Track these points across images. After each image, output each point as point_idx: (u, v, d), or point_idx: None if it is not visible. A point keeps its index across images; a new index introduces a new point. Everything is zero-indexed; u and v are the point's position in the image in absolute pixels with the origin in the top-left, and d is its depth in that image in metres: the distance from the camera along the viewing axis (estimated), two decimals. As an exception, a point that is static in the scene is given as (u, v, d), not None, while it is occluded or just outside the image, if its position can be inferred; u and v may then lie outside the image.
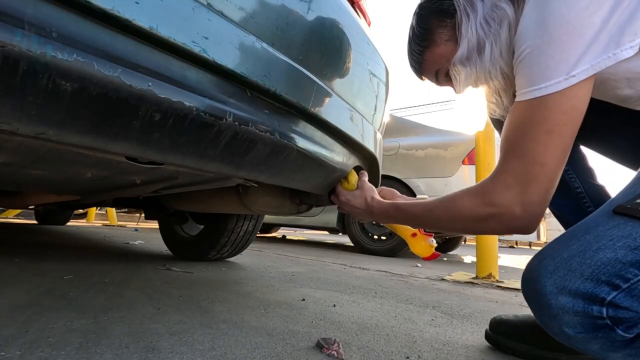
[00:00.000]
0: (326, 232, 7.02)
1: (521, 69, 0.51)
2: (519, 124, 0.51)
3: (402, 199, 0.84)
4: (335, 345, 0.73)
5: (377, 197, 0.82)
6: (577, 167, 0.79)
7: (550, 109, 0.48)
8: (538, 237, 9.60)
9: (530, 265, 0.49)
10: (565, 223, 0.83)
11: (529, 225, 0.52)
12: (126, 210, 5.51)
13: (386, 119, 1.18)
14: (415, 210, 0.69)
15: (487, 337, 0.85)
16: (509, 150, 0.53)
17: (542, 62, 0.48)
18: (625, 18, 0.44)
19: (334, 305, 1.13)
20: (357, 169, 1.02)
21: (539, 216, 0.52)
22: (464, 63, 0.61)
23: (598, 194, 0.78)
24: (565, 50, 0.46)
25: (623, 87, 0.52)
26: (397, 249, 3.02)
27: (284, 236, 5.88)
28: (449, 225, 0.63)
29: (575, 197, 0.79)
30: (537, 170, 0.49)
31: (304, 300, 1.18)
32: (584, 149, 0.81)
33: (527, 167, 0.50)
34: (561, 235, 0.49)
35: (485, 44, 0.58)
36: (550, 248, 0.48)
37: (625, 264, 0.40)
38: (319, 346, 0.74)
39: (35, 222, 4.42)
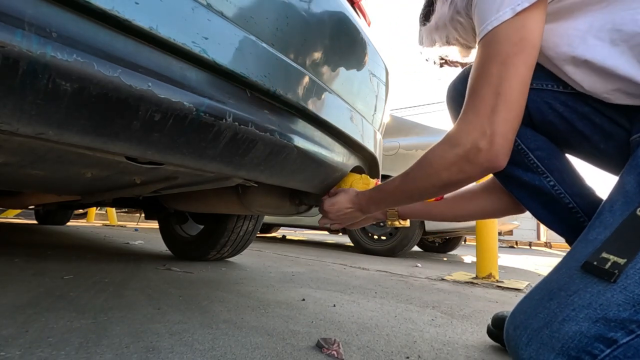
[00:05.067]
0: (326, 232, 7.02)
1: (476, 13, 0.55)
2: (477, 65, 0.54)
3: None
4: (335, 345, 0.73)
5: (357, 191, 0.83)
6: (563, 178, 0.70)
7: (500, 41, 0.50)
8: (538, 237, 9.61)
9: (507, 331, 0.49)
10: (567, 240, 0.75)
11: (497, 159, 0.52)
12: (126, 210, 5.51)
13: (386, 119, 1.18)
14: (394, 183, 0.69)
15: (489, 332, 0.86)
16: (469, 91, 0.54)
17: (489, 1, 0.52)
18: None
19: (334, 305, 1.13)
20: (357, 169, 1.02)
21: (506, 148, 0.52)
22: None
23: (589, 205, 0.70)
24: None
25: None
26: (397, 249, 3.02)
27: (284, 236, 5.88)
28: (427, 183, 0.62)
29: (569, 213, 0.70)
30: (494, 100, 0.50)
31: (304, 300, 1.18)
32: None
33: (485, 99, 0.51)
34: (530, 293, 0.49)
35: None
36: (522, 313, 0.48)
37: (590, 339, 0.40)
38: (319, 346, 0.74)
39: (35, 222, 4.43)
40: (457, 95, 0.72)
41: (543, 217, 0.72)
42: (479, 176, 0.56)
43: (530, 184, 0.69)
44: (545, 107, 0.61)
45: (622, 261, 0.40)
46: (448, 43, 0.72)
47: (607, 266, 0.41)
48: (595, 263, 0.42)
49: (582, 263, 0.43)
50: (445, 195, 0.86)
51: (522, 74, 0.50)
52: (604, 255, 0.42)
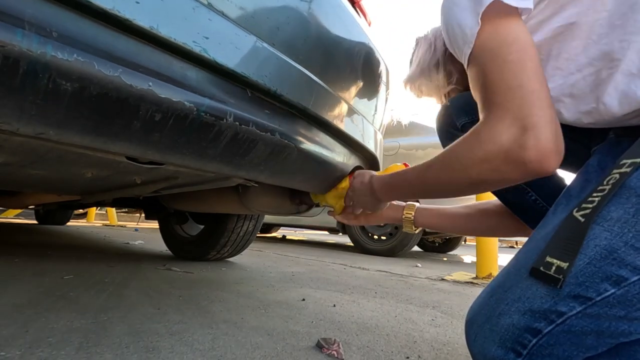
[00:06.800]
0: (326, 232, 7.01)
1: (451, 43, 0.54)
2: (478, 77, 0.50)
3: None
4: (335, 345, 0.73)
5: (374, 174, 0.81)
6: (544, 192, 0.72)
7: (491, 47, 0.47)
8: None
9: (464, 327, 0.52)
10: None
11: (548, 157, 0.43)
12: (126, 210, 5.51)
13: (386, 119, 1.18)
14: (414, 173, 0.64)
15: None
16: (482, 98, 0.49)
17: (459, 22, 0.50)
18: None
19: (334, 305, 1.13)
20: (358, 169, 1.02)
21: (553, 143, 0.43)
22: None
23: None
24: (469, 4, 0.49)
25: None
26: (397, 249, 3.02)
27: (284, 236, 5.88)
28: (450, 179, 0.54)
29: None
30: (518, 92, 0.44)
31: (304, 300, 1.18)
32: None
33: (508, 94, 0.45)
34: (480, 293, 0.52)
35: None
36: (471, 311, 0.51)
37: (521, 330, 0.43)
38: (319, 346, 0.74)
39: (35, 222, 4.42)
40: (444, 125, 0.77)
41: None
42: (519, 179, 0.47)
43: (515, 202, 0.73)
44: None
45: (564, 265, 0.41)
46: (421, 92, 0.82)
47: (552, 271, 0.42)
48: (541, 268, 0.43)
49: (530, 269, 0.44)
50: (462, 210, 0.87)
51: (532, 67, 0.45)
52: (548, 259, 0.43)
